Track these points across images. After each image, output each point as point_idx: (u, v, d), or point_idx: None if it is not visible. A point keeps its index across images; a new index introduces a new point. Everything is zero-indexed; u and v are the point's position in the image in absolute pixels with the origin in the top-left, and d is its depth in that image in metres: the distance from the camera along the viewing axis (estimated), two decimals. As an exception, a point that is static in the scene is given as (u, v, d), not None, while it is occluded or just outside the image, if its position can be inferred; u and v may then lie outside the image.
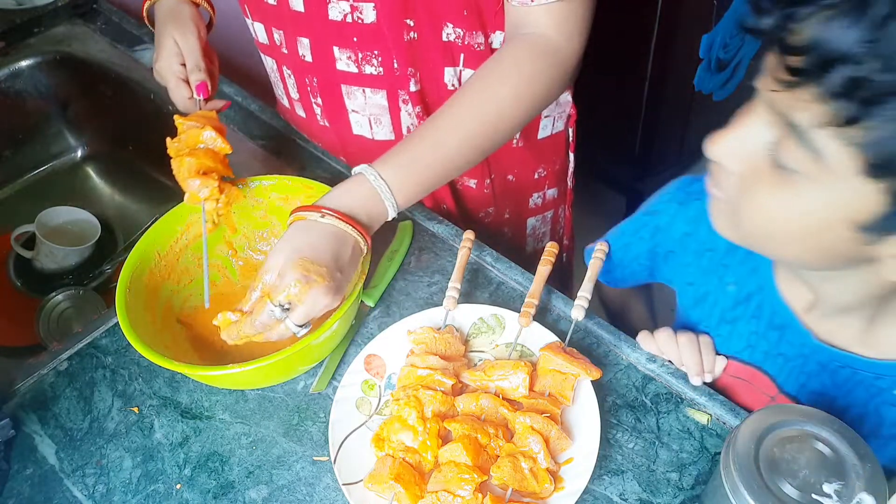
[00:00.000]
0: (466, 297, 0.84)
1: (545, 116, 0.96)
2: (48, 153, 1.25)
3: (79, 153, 1.27)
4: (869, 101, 0.45)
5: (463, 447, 0.67)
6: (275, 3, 0.85)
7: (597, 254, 0.84)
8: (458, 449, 0.67)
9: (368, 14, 0.80)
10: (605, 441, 0.72)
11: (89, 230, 1.15)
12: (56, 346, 0.83)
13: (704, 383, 0.76)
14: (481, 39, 0.84)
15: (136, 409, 0.77)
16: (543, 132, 0.98)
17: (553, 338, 0.77)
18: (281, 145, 1.03)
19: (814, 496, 0.53)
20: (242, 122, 1.06)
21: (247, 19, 0.93)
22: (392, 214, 0.76)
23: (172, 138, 0.82)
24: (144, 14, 0.89)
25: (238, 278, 0.88)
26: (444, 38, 0.84)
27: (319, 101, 0.92)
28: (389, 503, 0.66)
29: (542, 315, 0.82)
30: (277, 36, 0.89)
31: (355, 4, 0.79)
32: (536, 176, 1.02)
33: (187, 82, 0.84)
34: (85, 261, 1.14)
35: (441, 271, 0.87)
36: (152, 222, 0.82)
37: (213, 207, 0.82)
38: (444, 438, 0.70)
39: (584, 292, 0.79)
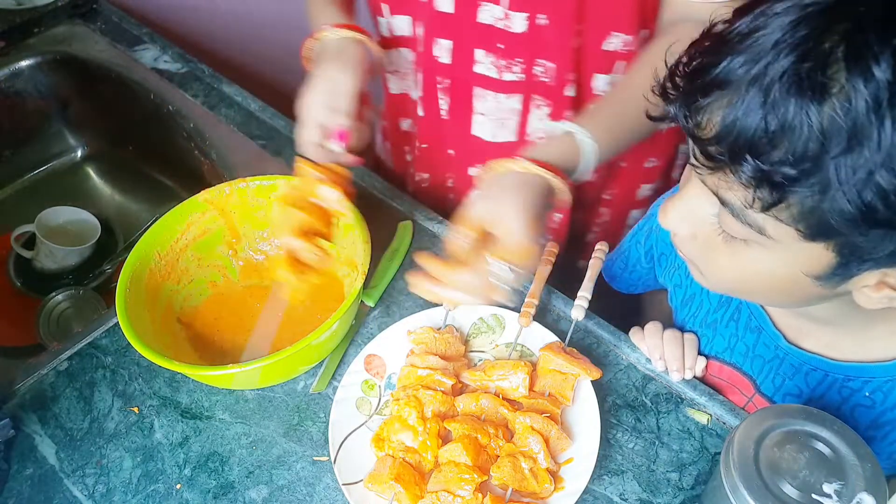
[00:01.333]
0: (466, 297, 0.83)
1: None
2: (48, 153, 1.25)
3: (79, 153, 1.27)
4: (784, 185, 0.46)
5: (463, 447, 0.67)
6: (425, 0, 0.83)
7: (596, 253, 0.84)
8: (458, 449, 0.67)
9: (518, 24, 0.80)
10: (605, 441, 0.72)
11: (89, 230, 1.15)
12: (56, 346, 0.83)
13: (704, 383, 0.76)
14: (629, 38, 0.83)
15: (136, 409, 0.77)
16: None
17: (553, 338, 0.77)
18: (281, 145, 1.03)
19: (814, 496, 0.53)
20: (242, 122, 1.06)
21: (380, 18, 0.90)
22: (591, 168, 0.75)
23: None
24: (303, 54, 0.83)
25: (238, 278, 0.88)
26: (604, 48, 0.83)
27: (447, 100, 0.91)
28: (389, 503, 0.66)
29: (542, 315, 0.82)
30: (418, 31, 0.87)
31: (508, 12, 0.79)
32: (648, 165, 1.01)
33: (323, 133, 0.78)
34: (85, 261, 1.14)
35: (441, 271, 0.87)
36: (152, 222, 0.81)
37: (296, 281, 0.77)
38: (444, 438, 0.70)
39: (584, 292, 0.79)
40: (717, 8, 0.73)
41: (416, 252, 0.72)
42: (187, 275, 0.84)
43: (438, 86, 0.90)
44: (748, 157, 0.46)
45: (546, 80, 0.85)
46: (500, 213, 0.66)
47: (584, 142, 0.73)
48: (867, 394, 0.66)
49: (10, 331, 1.08)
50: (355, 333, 0.82)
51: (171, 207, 0.83)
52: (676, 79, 0.52)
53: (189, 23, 1.37)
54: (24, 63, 1.16)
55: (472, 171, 0.97)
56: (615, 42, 0.83)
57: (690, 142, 0.52)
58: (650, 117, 0.58)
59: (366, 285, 0.84)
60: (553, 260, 0.83)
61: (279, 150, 1.02)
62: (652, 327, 0.78)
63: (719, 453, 0.62)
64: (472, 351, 0.79)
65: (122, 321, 0.72)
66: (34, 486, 0.72)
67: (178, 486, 0.71)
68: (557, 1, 0.78)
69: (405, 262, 0.88)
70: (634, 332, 0.79)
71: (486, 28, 0.81)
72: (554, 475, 0.68)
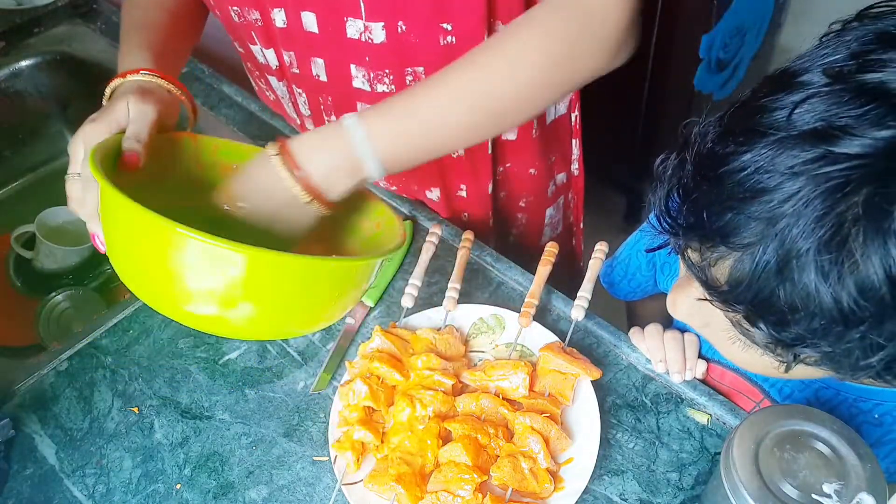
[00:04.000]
0: (466, 297, 0.83)
1: None
2: (48, 153, 1.25)
3: (79, 153, 1.27)
4: (799, 346, 0.45)
5: (463, 447, 0.67)
6: (284, 26, 0.81)
7: (596, 254, 0.84)
8: (458, 449, 0.67)
9: (378, 34, 0.77)
10: (605, 441, 0.72)
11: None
12: (56, 346, 0.83)
13: (704, 383, 0.76)
14: None
15: (136, 409, 0.77)
16: (549, 116, 0.96)
17: (553, 338, 0.77)
18: (281, 145, 1.03)
19: (814, 496, 0.53)
20: (242, 122, 1.06)
21: (253, 46, 0.88)
22: (372, 169, 0.66)
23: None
24: (108, 93, 0.75)
25: None
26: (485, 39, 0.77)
27: (333, 118, 0.90)
28: (390, 503, 0.66)
29: (542, 315, 0.82)
30: (288, 58, 0.86)
31: (367, 24, 0.77)
32: (549, 163, 1.00)
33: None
34: (85, 261, 1.13)
35: (441, 271, 0.87)
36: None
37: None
38: (444, 438, 0.70)
39: (584, 292, 0.79)
40: None
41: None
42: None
43: (322, 106, 0.89)
44: (761, 325, 0.45)
45: None
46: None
47: (356, 133, 0.65)
48: (877, 416, 0.66)
49: (10, 331, 1.08)
50: (356, 333, 0.82)
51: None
52: (671, 217, 0.49)
53: (189, 23, 1.36)
54: (24, 63, 1.16)
55: (381, 182, 0.97)
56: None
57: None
58: (648, 250, 0.56)
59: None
60: (553, 260, 0.83)
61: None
62: (653, 329, 0.78)
63: (719, 453, 0.62)
64: (472, 351, 0.79)
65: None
66: (34, 486, 0.72)
67: (178, 486, 0.71)
68: (412, 4, 0.73)
69: (405, 262, 0.88)
70: (634, 333, 0.79)
71: (354, 43, 0.79)
72: (554, 475, 0.68)
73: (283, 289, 0.57)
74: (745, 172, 0.44)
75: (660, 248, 0.54)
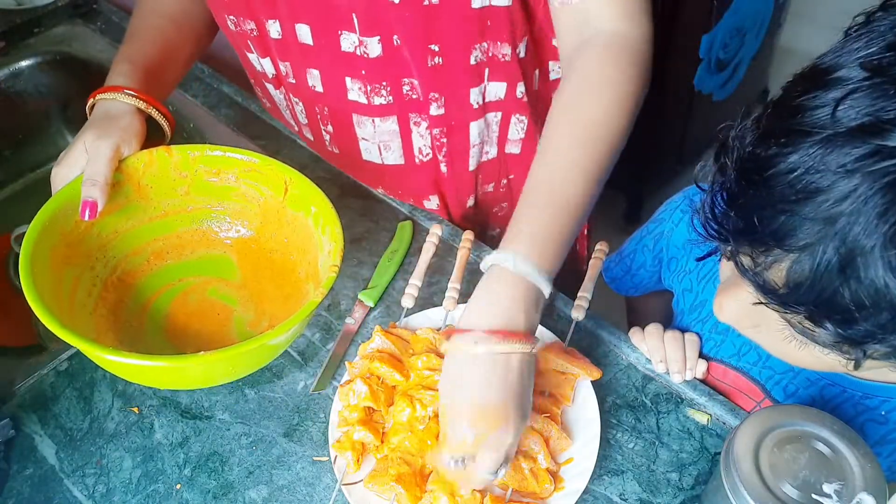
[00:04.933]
0: (466, 297, 0.83)
1: None
2: (48, 153, 1.25)
3: (79, 153, 1.27)
4: (867, 343, 0.45)
5: (463, 447, 0.67)
6: (279, 37, 0.81)
7: (596, 254, 0.84)
8: (458, 449, 0.67)
9: (374, 48, 0.77)
10: (605, 441, 0.72)
11: (89, 230, 1.14)
12: (56, 346, 0.83)
13: (704, 383, 0.76)
14: (507, 51, 0.79)
15: (136, 409, 0.77)
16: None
17: (553, 338, 0.77)
18: (281, 145, 1.03)
19: (814, 496, 0.53)
20: (243, 122, 1.06)
21: (250, 54, 0.89)
22: (547, 291, 0.64)
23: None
24: (88, 112, 0.79)
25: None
26: (473, 62, 0.79)
27: (330, 128, 0.90)
28: (390, 503, 0.66)
29: (543, 315, 0.82)
30: (284, 67, 0.86)
31: (362, 38, 0.76)
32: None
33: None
34: (85, 261, 1.13)
35: (441, 271, 0.87)
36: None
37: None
38: (444, 438, 0.70)
39: (585, 292, 0.79)
40: (617, 22, 0.69)
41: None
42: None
43: (318, 116, 0.89)
44: (827, 325, 0.44)
45: (416, 97, 0.82)
46: (448, 409, 0.61)
47: (523, 269, 0.62)
48: (883, 412, 0.65)
49: (10, 331, 1.08)
50: (356, 333, 0.82)
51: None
52: (718, 223, 0.48)
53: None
54: (24, 63, 1.16)
55: (378, 191, 0.97)
56: (479, 56, 0.78)
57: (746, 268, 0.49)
58: (698, 259, 0.55)
59: (366, 286, 0.84)
60: None
61: (279, 150, 1.02)
62: (653, 329, 0.78)
63: (719, 453, 0.62)
64: (472, 351, 0.79)
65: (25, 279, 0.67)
66: (34, 486, 0.72)
67: (178, 486, 0.71)
68: (405, 20, 0.74)
69: (405, 263, 0.88)
70: (634, 333, 0.79)
71: (349, 56, 0.79)
72: (554, 475, 0.68)
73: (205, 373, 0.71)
74: (795, 174, 0.43)
75: (709, 255, 0.53)
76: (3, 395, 0.78)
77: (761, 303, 0.49)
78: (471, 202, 0.96)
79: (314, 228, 0.77)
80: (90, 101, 0.79)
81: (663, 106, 1.80)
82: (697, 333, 0.78)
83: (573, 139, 0.67)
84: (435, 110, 0.83)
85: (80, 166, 0.73)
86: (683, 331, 0.79)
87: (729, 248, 0.49)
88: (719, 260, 0.56)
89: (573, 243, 0.67)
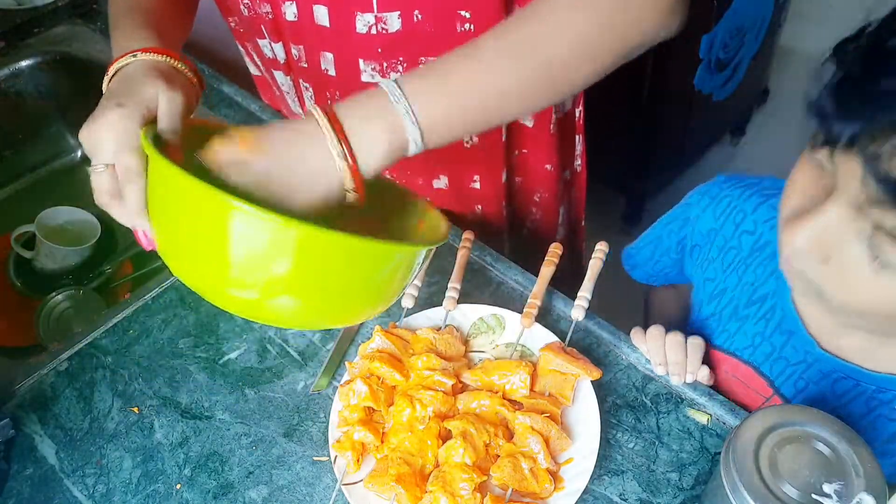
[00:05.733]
0: (466, 297, 0.83)
1: None
2: (48, 153, 1.25)
3: (79, 153, 1.27)
4: None
5: (463, 447, 0.67)
6: (295, 20, 0.81)
7: (596, 254, 0.84)
8: (458, 449, 0.67)
9: (393, 23, 0.77)
10: (605, 441, 0.72)
11: (89, 230, 1.14)
12: (56, 346, 0.83)
13: (715, 384, 0.76)
14: None
15: (136, 409, 0.77)
16: (559, 112, 0.96)
17: (553, 338, 0.77)
18: (281, 145, 1.03)
19: (814, 496, 0.53)
20: (243, 122, 1.06)
21: (261, 40, 0.88)
22: (414, 142, 0.59)
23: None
24: (112, 73, 0.68)
25: None
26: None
27: None
28: (390, 503, 0.66)
29: (543, 315, 0.82)
30: (297, 51, 0.85)
31: (380, 15, 0.77)
32: (561, 159, 0.99)
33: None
34: (85, 261, 1.13)
35: (441, 271, 0.87)
36: None
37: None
38: (444, 438, 0.70)
39: (585, 292, 0.79)
40: None
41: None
42: None
43: (329, 101, 0.88)
44: None
45: None
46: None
47: (398, 100, 0.57)
48: None
49: (10, 331, 1.08)
50: (356, 333, 0.82)
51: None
52: (840, 97, 0.47)
53: (189, 23, 1.36)
54: (24, 63, 1.16)
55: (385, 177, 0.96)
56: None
57: (849, 165, 0.47)
58: (812, 147, 0.50)
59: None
60: (556, 261, 0.83)
61: (279, 150, 1.02)
62: (654, 331, 0.77)
63: (719, 453, 0.62)
64: (472, 351, 0.79)
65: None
66: (34, 486, 0.72)
67: (178, 486, 0.71)
68: None
69: (405, 262, 0.88)
70: (635, 333, 0.79)
71: (364, 38, 0.79)
72: (554, 475, 0.68)
73: (347, 271, 0.55)
74: None
75: (819, 146, 0.49)
76: (3, 395, 0.78)
77: (872, 205, 0.46)
78: (504, 177, 0.95)
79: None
80: (125, 59, 0.67)
81: (663, 106, 1.80)
82: (703, 336, 0.77)
83: (526, 26, 0.60)
84: None
85: (149, 112, 0.62)
86: (697, 325, 0.78)
87: (845, 134, 0.47)
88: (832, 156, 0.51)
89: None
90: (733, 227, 0.73)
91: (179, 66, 0.68)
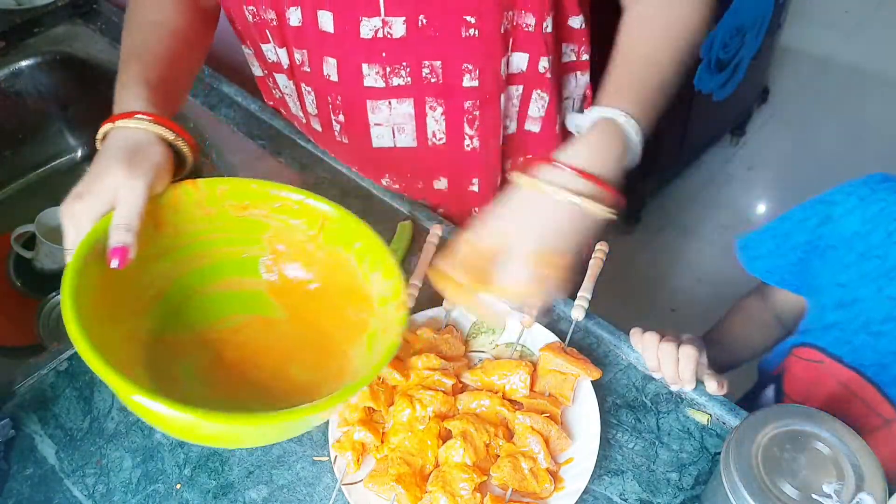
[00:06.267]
0: (466, 297, 0.83)
1: (566, 98, 0.95)
2: (48, 153, 1.25)
3: (79, 153, 1.27)
4: None
5: (463, 447, 0.67)
6: (299, 25, 0.81)
7: (596, 253, 0.84)
8: (458, 449, 0.67)
9: (398, 28, 0.78)
10: (605, 441, 0.72)
11: (89, 230, 1.14)
12: (56, 346, 0.83)
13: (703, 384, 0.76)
14: (531, 21, 0.79)
15: (136, 409, 0.77)
16: (562, 116, 0.96)
17: (553, 338, 0.77)
18: (281, 145, 1.03)
19: (814, 496, 0.53)
20: (242, 122, 1.06)
21: (265, 45, 0.88)
22: (637, 156, 0.67)
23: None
24: (100, 137, 0.70)
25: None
26: (502, 31, 0.79)
27: (341, 118, 0.90)
28: (390, 503, 0.66)
29: (542, 315, 0.82)
30: (300, 56, 0.86)
31: (386, 19, 0.77)
32: None
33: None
34: (85, 261, 1.13)
35: (441, 271, 0.87)
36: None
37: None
38: (444, 438, 0.70)
39: (585, 292, 0.80)
40: None
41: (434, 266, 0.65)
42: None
43: (330, 105, 0.89)
44: None
45: (434, 80, 0.83)
46: (505, 242, 0.61)
47: (628, 125, 0.65)
48: None
49: (10, 331, 1.08)
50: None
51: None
52: None
53: (189, 23, 1.36)
54: (24, 63, 1.16)
55: (384, 181, 0.97)
56: (507, 24, 0.79)
57: None
58: None
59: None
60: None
61: (279, 150, 1.02)
62: (650, 336, 0.75)
63: (719, 453, 0.62)
64: (472, 351, 0.79)
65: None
66: (34, 486, 0.72)
67: (178, 486, 0.71)
68: None
69: (405, 262, 0.88)
70: (635, 333, 0.79)
71: (368, 42, 0.79)
72: (554, 475, 0.68)
73: (255, 433, 0.61)
74: None
75: None
76: (3, 395, 0.78)
77: None
78: (500, 181, 0.96)
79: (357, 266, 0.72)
80: (105, 127, 0.70)
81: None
82: (697, 348, 0.73)
83: (656, 29, 0.73)
84: (468, 82, 0.83)
85: (108, 203, 0.65)
86: (811, 331, 0.73)
87: None
88: None
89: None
90: (884, 234, 0.68)
91: (160, 130, 0.69)
